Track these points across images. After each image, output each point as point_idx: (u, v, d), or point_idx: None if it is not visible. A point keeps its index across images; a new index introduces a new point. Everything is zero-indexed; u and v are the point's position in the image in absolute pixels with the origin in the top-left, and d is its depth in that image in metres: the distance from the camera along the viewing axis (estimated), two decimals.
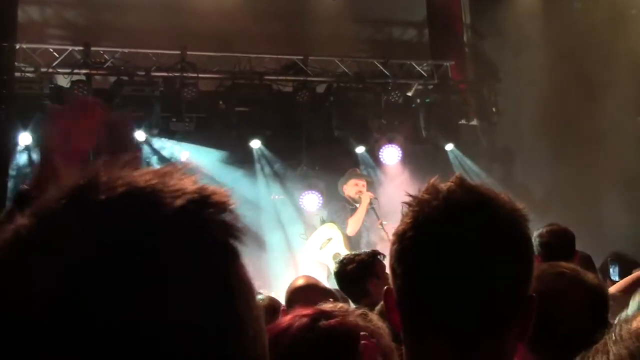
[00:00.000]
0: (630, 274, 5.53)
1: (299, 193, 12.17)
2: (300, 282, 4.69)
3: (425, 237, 1.55)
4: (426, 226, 1.55)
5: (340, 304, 2.47)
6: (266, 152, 12.46)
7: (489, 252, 1.51)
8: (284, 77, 12.58)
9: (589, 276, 2.54)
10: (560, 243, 5.46)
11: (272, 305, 4.43)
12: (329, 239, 10.94)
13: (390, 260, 1.61)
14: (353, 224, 11.08)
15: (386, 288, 1.63)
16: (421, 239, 1.55)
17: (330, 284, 7.40)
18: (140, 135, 11.69)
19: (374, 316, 2.21)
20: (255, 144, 12.28)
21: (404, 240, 1.57)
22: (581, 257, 6.08)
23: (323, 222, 11.21)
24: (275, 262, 11.80)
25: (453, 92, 13.19)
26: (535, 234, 5.48)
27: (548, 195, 12.37)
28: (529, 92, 12.43)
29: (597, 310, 2.47)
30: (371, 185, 11.41)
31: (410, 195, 1.62)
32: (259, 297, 4.28)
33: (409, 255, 1.57)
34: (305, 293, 4.45)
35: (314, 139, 12.47)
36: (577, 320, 2.40)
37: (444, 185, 1.60)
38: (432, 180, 1.63)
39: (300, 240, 11.76)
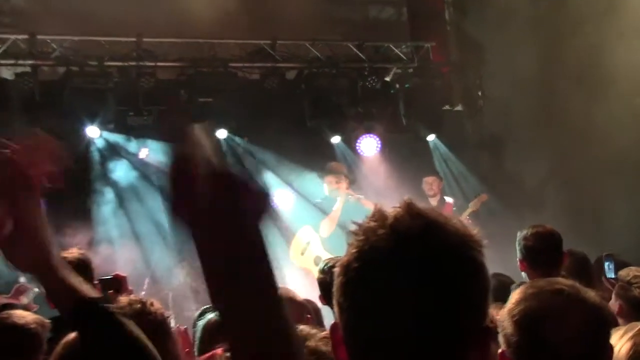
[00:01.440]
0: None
1: (271, 189, 11.87)
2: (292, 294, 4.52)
3: (372, 268, 1.55)
4: (372, 256, 1.55)
5: (302, 327, 2.61)
6: (237, 141, 12.38)
7: (439, 282, 1.52)
8: (250, 64, 12.46)
9: (590, 294, 2.49)
10: (546, 247, 5.45)
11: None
12: (308, 243, 11.01)
13: (336, 293, 1.61)
14: (325, 225, 10.95)
15: (332, 323, 1.65)
16: (367, 271, 1.55)
17: None
18: (94, 131, 11.47)
19: None
20: (222, 133, 11.98)
21: (349, 272, 1.57)
22: (576, 259, 6.14)
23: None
24: None
25: (435, 75, 13.12)
26: (519, 237, 5.53)
27: (541, 185, 12.36)
28: (518, 74, 12.27)
29: (598, 332, 2.45)
30: (352, 182, 11.36)
31: (355, 223, 1.60)
32: (212, 315, 4.43)
33: (355, 288, 1.58)
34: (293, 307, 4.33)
35: (285, 130, 12.32)
36: (576, 343, 2.39)
37: (391, 211, 1.59)
38: (378, 206, 1.62)
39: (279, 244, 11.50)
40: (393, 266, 1.53)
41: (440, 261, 1.53)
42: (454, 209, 11.53)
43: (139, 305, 3.29)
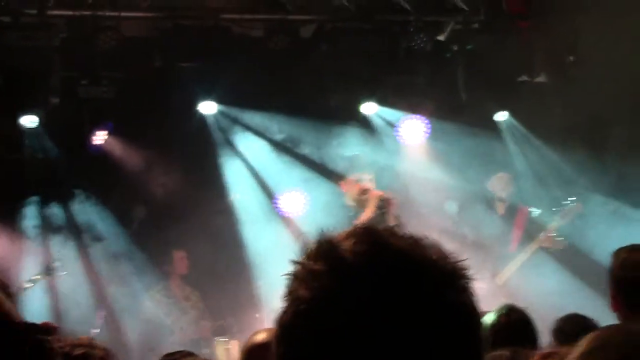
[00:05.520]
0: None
1: (277, 189, 11.99)
2: (261, 338, 4.51)
3: (325, 333, 1.53)
4: (324, 316, 1.54)
5: None
6: (228, 116, 12.13)
7: (415, 342, 1.53)
8: (251, 16, 12.04)
9: None
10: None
11: None
12: None
13: None
14: None
15: None
16: (318, 337, 1.53)
17: None
18: (29, 119, 11.14)
19: None
20: (210, 108, 11.75)
21: (292, 337, 1.58)
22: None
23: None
24: (234, 296, 11.76)
25: (509, 33, 12.45)
26: (611, 263, 5.04)
27: None
28: (628, 32, 11.40)
29: None
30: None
31: (296, 262, 1.61)
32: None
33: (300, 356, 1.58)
34: (268, 353, 3.55)
35: (297, 106, 12.06)
36: None
37: (345, 243, 1.59)
38: (327, 234, 1.63)
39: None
40: (351, 326, 1.52)
41: (415, 313, 1.52)
42: (534, 217, 11.44)
43: (81, 351, 3.61)
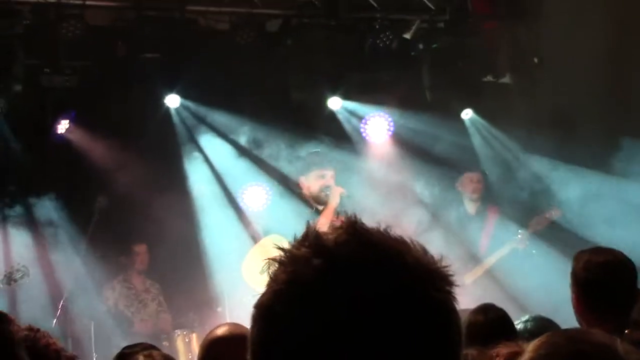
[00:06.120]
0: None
1: (240, 184, 11.74)
2: (222, 331, 4.48)
3: (302, 315, 1.55)
4: (303, 298, 1.56)
5: None
6: (191, 111, 11.96)
7: (388, 335, 1.53)
8: (217, 8, 11.93)
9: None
10: (615, 284, 5.04)
11: None
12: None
13: (252, 346, 1.62)
14: None
15: None
16: (295, 319, 1.55)
17: None
18: None
19: None
20: (173, 100, 11.59)
21: (269, 318, 1.59)
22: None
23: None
24: (199, 289, 11.58)
25: (474, 33, 12.53)
26: (574, 265, 5.09)
27: None
28: (590, 34, 11.68)
29: None
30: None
31: (281, 248, 1.64)
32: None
33: (277, 343, 1.58)
34: (229, 347, 4.32)
35: (262, 102, 11.91)
36: None
37: (330, 234, 1.62)
38: (313, 225, 1.66)
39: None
40: (327, 310, 1.53)
41: (391, 306, 1.53)
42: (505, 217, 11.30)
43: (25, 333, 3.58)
